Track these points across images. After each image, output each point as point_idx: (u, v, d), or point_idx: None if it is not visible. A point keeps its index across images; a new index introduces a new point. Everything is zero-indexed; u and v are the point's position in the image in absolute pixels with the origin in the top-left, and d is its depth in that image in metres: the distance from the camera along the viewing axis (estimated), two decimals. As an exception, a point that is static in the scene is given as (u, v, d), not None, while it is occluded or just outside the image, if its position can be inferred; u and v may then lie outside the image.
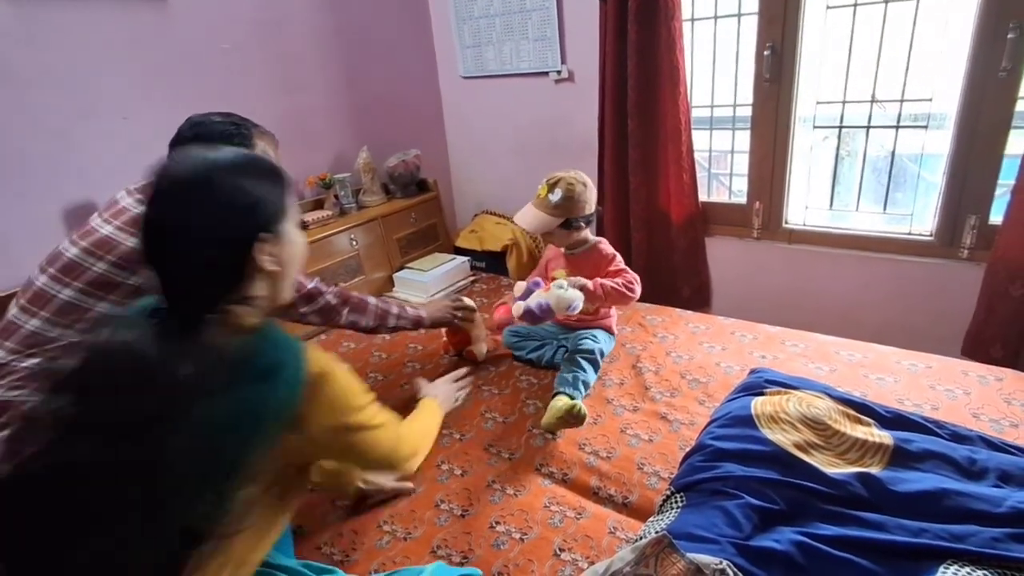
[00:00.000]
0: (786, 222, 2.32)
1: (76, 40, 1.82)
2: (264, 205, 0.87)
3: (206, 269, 0.83)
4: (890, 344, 1.83)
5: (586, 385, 1.66)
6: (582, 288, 1.66)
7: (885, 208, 2.19)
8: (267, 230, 0.86)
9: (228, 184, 0.85)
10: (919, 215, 2.12)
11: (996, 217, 1.91)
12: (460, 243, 2.87)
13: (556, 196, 1.72)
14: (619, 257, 1.85)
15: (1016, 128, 1.82)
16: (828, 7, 2.05)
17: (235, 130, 1.40)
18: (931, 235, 2.06)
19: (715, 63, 2.34)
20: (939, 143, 2.00)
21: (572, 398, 1.58)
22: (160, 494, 0.72)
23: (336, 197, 2.49)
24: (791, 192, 2.28)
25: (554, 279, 1.68)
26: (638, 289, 1.76)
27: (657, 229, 2.49)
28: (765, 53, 2.11)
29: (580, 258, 1.86)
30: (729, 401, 1.40)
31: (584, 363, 1.70)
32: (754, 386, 1.39)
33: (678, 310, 2.18)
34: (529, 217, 1.78)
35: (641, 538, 1.07)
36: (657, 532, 1.00)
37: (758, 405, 1.28)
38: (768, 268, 2.38)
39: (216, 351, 0.81)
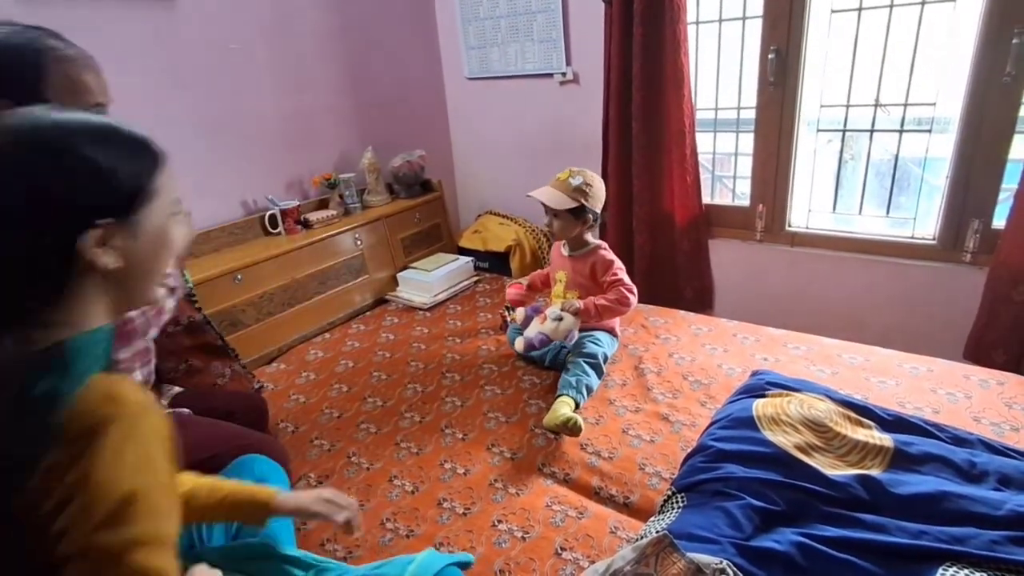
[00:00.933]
0: (789, 225, 2.33)
1: (84, 40, 1.81)
2: (105, 181, 0.67)
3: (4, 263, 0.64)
4: (892, 347, 1.83)
5: (589, 389, 1.67)
6: (575, 312, 1.76)
7: (888, 212, 2.19)
8: (107, 215, 0.66)
9: (51, 152, 0.65)
10: (922, 219, 2.12)
11: (999, 222, 1.92)
12: (463, 243, 2.88)
13: (577, 180, 1.79)
14: (617, 264, 1.86)
15: (1020, 133, 1.83)
16: (833, 11, 2.06)
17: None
18: (934, 239, 2.06)
19: (719, 66, 2.34)
20: (943, 147, 2.00)
21: (576, 401, 1.60)
22: None
23: (341, 197, 2.50)
24: (794, 195, 2.29)
25: (558, 281, 1.72)
26: (633, 300, 1.81)
27: (660, 231, 2.49)
28: (769, 56, 2.12)
29: (580, 260, 1.87)
30: (731, 403, 1.41)
31: (587, 367, 1.71)
32: (756, 388, 1.40)
33: (680, 312, 2.19)
34: (548, 193, 1.81)
35: (642, 537, 1.08)
36: (658, 532, 1.01)
37: (759, 407, 1.29)
38: (771, 271, 2.38)
39: None
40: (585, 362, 1.73)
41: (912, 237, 2.11)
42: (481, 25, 2.76)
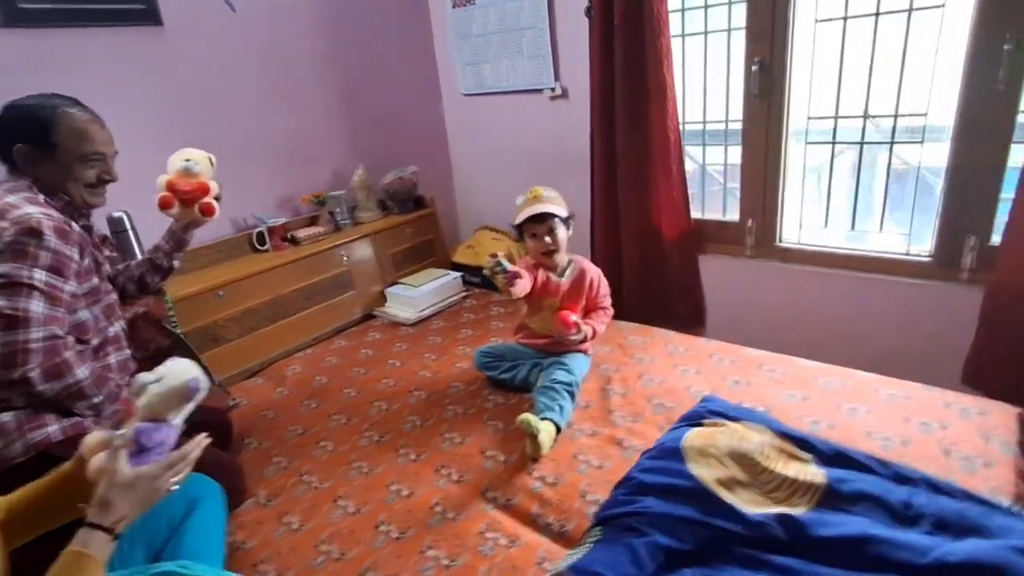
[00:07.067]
0: (780, 240, 2.25)
1: (78, 67, 1.92)
2: None
3: None
4: (888, 368, 1.74)
5: (565, 411, 1.64)
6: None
7: (882, 227, 2.09)
8: None
9: None
10: (917, 234, 2.01)
11: (997, 238, 1.80)
12: (457, 258, 2.89)
13: (552, 192, 1.85)
14: (603, 281, 1.89)
15: (1017, 143, 1.72)
16: (817, 20, 1.98)
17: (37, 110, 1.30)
18: (929, 256, 1.96)
19: (706, 78, 2.29)
20: (937, 156, 1.90)
21: (557, 427, 1.57)
22: None
23: (331, 214, 2.55)
24: (784, 209, 2.21)
25: (545, 308, 1.86)
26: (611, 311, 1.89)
27: (648, 245, 2.44)
28: (753, 69, 2.05)
29: (577, 281, 1.85)
30: (671, 430, 1.36)
31: (566, 394, 1.68)
32: (695, 416, 1.35)
33: (660, 331, 2.13)
34: (553, 207, 1.79)
35: (556, 572, 1.06)
36: (557, 569, 0.99)
37: (690, 437, 1.25)
38: (762, 288, 2.30)
39: None
40: (565, 390, 1.69)
41: (907, 253, 2.01)
42: (475, 42, 2.78)
